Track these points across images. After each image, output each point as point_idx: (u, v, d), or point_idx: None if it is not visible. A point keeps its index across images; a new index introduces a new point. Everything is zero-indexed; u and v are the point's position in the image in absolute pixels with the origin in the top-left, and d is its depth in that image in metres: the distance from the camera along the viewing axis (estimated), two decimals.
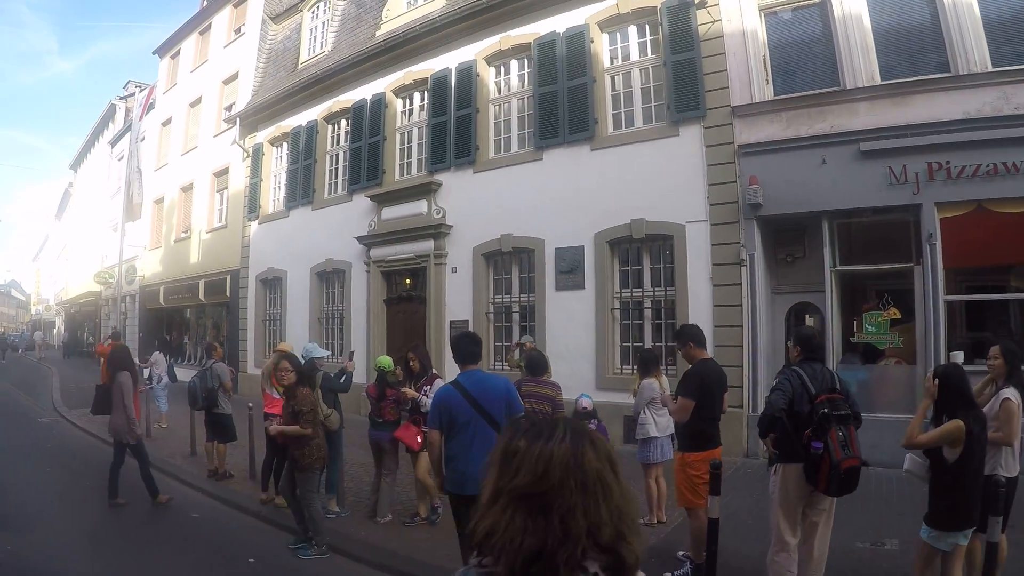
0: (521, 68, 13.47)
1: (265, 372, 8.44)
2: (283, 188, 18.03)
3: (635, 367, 7.99)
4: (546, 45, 12.76)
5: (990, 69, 9.33)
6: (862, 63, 10.15)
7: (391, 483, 7.60)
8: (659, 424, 7.10)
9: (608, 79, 12.37)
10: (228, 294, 20.15)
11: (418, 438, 6.94)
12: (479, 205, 13.29)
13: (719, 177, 11.00)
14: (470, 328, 13.24)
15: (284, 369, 6.99)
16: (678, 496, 5.74)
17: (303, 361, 8.09)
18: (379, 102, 15.26)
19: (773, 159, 10.63)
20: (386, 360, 7.76)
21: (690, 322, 11.15)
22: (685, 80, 11.33)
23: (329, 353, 8.87)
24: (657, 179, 11.44)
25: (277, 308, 18.22)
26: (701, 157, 11.17)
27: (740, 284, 10.70)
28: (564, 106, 12.43)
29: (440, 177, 13.97)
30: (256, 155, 18.68)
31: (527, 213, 12.64)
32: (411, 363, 7.29)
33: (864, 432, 5.01)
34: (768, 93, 10.95)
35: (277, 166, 18.53)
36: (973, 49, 9.39)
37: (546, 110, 12.64)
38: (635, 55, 12.23)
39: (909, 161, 9.52)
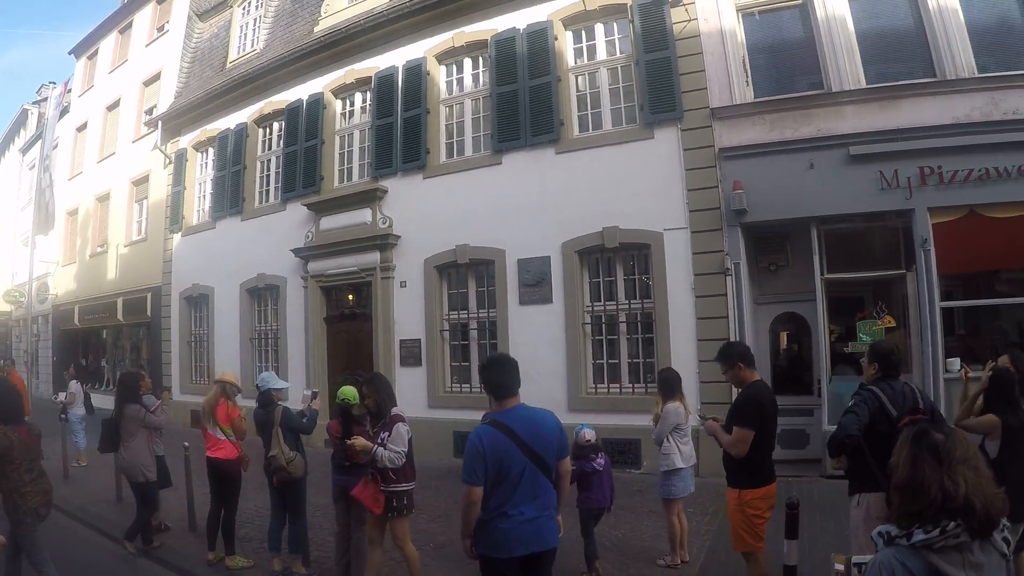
0: (476, 67, 11.72)
1: (207, 407, 6.52)
2: (209, 197, 15.54)
3: (658, 389, 6.46)
4: (505, 42, 11.07)
5: (976, 75, 8.71)
6: (848, 65, 9.30)
7: (362, 539, 5.62)
8: (684, 453, 5.98)
9: (573, 79, 10.82)
10: (149, 313, 17.33)
11: (379, 499, 5.02)
12: (431, 213, 11.40)
13: (699, 182, 9.66)
14: (422, 347, 11.39)
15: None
16: (734, 540, 4.66)
17: (258, 392, 6.19)
18: (316, 103, 13.14)
19: (757, 163, 9.50)
20: (350, 391, 5.81)
21: (669, 334, 9.88)
22: (660, 80, 9.94)
23: (289, 385, 6.96)
24: (631, 184, 9.95)
25: (204, 328, 15.64)
26: (679, 161, 9.79)
27: (725, 295, 9.48)
28: (525, 107, 10.75)
29: (386, 183, 11.99)
30: (179, 161, 16.12)
31: (485, 221, 10.87)
32: (366, 400, 5.33)
33: None
34: (748, 95, 9.87)
35: (202, 173, 16.04)
36: (960, 54, 8.77)
37: (505, 111, 10.93)
38: (602, 54, 10.75)
39: (900, 166, 8.72)
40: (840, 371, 9.35)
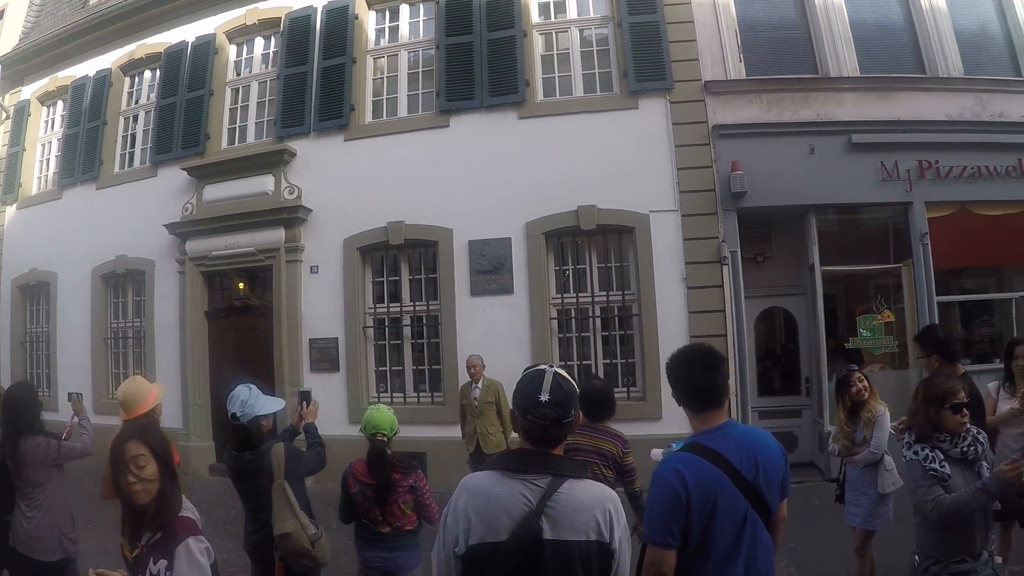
0: (416, 14, 8.40)
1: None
2: (55, 161, 10.72)
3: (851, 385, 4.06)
4: None
5: (964, 75, 7.68)
6: (845, 52, 7.65)
7: None
8: None
9: (539, 37, 8.01)
10: None
11: None
12: (354, 183, 7.90)
13: (691, 160, 7.22)
14: (340, 348, 7.86)
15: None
16: None
17: (240, 419, 3.10)
18: (205, 46, 9.10)
19: (754, 144, 7.39)
20: (383, 417, 3.32)
21: (657, 329, 6.93)
22: (646, 46, 7.44)
23: (283, 405, 3.54)
24: (611, 159, 7.25)
25: (43, 325, 10.69)
26: (667, 136, 7.29)
27: (722, 286, 7.05)
28: (482, 62, 7.69)
29: (295, 144, 8.26)
30: (19, 116, 11.07)
31: (427, 195, 7.59)
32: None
33: None
34: (742, 72, 7.67)
35: (47, 131, 11.11)
36: (950, 55, 7.68)
37: (456, 65, 7.76)
38: (573, 13, 7.98)
39: (900, 157, 7.31)
40: (834, 367, 7.44)
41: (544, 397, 1.62)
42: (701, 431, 2.03)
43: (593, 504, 1.60)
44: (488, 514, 1.59)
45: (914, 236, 7.27)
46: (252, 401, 3.12)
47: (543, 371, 1.68)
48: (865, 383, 3.99)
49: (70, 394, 4.44)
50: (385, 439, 3.28)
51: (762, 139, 7.39)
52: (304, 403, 3.62)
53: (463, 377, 7.07)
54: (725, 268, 7.05)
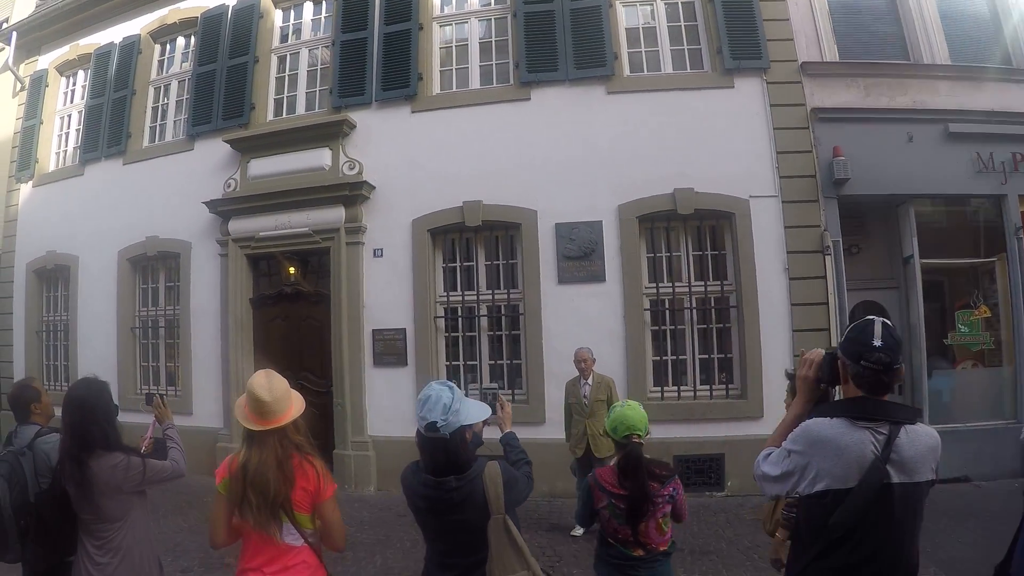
0: None
1: (273, 486, 2.07)
2: (76, 134, 9.37)
3: None
4: None
5: None
6: (936, 39, 6.86)
7: None
8: None
9: (621, 8, 7.07)
10: None
11: None
12: (423, 159, 6.83)
13: (790, 144, 6.33)
14: (408, 339, 6.78)
15: None
16: None
17: (441, 430, 1.96)
18: (248, 10, 7.89)
19: (852, 130, 6.57)
20: (638, 415, 2.56)
21: (758, 322, 5.81)
22: (741, 22, 6.55)
23: (491, 412, 2.15)
24: (706, 140, 6.33)
25: (60, 313, 9.37)
26: (765, 117, 6.40)
27: (824, 277, 6.19)
28: (565, 31, 6.69)
29: (355, 115, 7.16)
30: (36, 87, 9.70)
31: (507, 173, 6.56)
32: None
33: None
34: (835, 55, 6.85)
35: (67, 103, 9.75)
36: None
37: (536, 34, 6.72)
38: None
39: (995, 149, 6.63)
40: (936, 364, 6.71)
41: (877, 343, 1.64)
42: None
43: (930, 447, 1.65)
44: (838, 463, 1.61)
45: (1008, 229, 6.63)
46: (457, 406, 2.04)
47: (872, 320, 1.70)
48: None
49: (149, 395, 3.32)
50: (640, 441, 2.56)
51: (860, 125, 6.60)
52: (498, 405, 2.57)
53: (550, 371, 6.17)
54: (828, 258, 6.23)
